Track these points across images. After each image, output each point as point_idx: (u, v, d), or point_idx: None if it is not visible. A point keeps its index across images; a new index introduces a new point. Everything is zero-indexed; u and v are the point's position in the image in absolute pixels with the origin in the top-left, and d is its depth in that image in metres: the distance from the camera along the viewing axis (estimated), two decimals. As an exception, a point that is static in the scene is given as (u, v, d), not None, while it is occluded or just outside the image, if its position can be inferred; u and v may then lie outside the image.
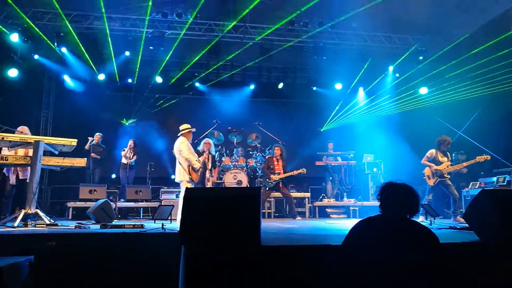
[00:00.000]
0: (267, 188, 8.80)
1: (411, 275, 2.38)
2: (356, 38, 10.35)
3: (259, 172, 9.96)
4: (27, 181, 6.77)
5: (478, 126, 8.77)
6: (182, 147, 6.79)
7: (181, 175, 6.79)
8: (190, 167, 6.74)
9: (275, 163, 8.96)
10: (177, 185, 7.64)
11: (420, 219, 7.24)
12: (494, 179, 7.81)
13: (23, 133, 6.75)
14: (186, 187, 3.89)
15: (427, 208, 6.40)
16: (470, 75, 8.91)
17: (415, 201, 2.59)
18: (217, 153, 10.03)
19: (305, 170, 8.93)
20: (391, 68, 11.25)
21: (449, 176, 7.64)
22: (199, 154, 7.90)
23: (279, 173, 8.84)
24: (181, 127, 7.08)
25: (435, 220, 6.24)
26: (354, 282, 2.57)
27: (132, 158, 9.51)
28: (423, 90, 10.92)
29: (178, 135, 7.03)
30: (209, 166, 7.91)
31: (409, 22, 9.50)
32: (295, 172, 8.91)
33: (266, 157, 9.46)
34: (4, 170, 6.93)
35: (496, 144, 8.41)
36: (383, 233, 2.51)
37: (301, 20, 9.90)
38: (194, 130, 7.18)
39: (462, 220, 7.08)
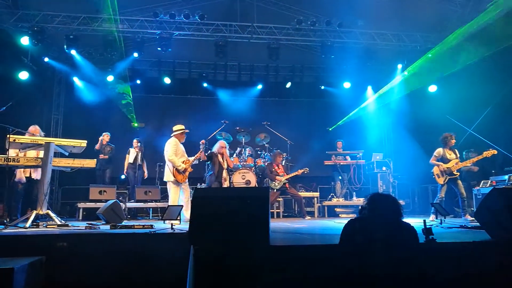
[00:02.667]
0: (275, 190, 8.84)
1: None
2: (364, 36, 10.30)
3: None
4: (37, 178, 6.88)
5: (489, 123, 8.66)
6: (168, 147, 6.94)
7: (166, 176, 6.96)
8: (175, 168, 6.82)
9: (276, 168, 9.07)
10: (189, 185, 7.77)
11: (431, 218, 7.20)
12: (506, 177, 7.70)
13: (35, 133, 6.84)
14: (196, 188, 3.91)
15: (437, 207, 6.33)
16: (480, 71, 8.81)
17: (399, 207, 3.11)
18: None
19: (307, 170, 9.01)
20: (399, 66, 11.17)
21: (458, 173, 7.59)
22: (209, 157, 7.95)
23: (283, 175, 8.93)
24: (174, 128, 7.18)
25: (445, 219, 6.17)
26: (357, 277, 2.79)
27: (142, 161, 9.56)
28: (432, 88, 10.82)
29: (171, 135, 7.12)
30: (225, 166, 7.99)
31: (417, 19, 9.41)
32: (299, 172, 8.98)
33: (266, 164, 9.50)
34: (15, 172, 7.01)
35: (507, 141, 8.30)
36: (380, 234, 2.93)
37: (309, 19, 9.88)
38: (187, 131, 7.25)
39: (470, 218, 7.03)
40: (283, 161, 9.54)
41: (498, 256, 3.44)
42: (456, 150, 7.81)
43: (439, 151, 7.80)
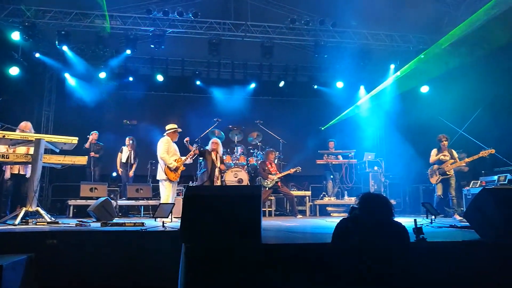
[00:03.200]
0: (267, 188, 8.86)
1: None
2: (357, 36, 10.33)
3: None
4: (26, 176, 6.79)
5: (480, 124, 8.77)
6: (159, 146, 7.04)
7: (159, 174, 7.06)
8: (166, 166, 6.89)
9: (269, 166, 9.09)
10: (179, 183, 7.89)
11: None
12: (495, 177, 7.79)
13: (26, 129, 6.73)
14: (187, 186, 3.90)
15: (428, 206, 6.37)
16: (472, 72, 8.89)
17: (391, 206, 3.12)
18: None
19: (300, 169, 9.05)
20: (392, 66, 11.23)
21: (451, 174, 7.70)
22: (202, 153, 7.95)
23: (275, 174, 8.94)
24: (167, 127, 7.29)
25: (436, 218, 6.21)
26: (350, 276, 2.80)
27: (134, 160, 9.50)
28: (424, 89, 10.89)
29: (163, 134, 7.21)
30: (218, 164, 8.00)
31: (411, 20, 9.47)
32: (292, 171, 9.03)
33: (259, 162, 9.50)
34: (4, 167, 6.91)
35: (497, 142, 8.40)
36: (372, 233, 2.94)
37: (302, 18, 9.89)
38: (180, 130, 7.35)
39: (459, 217, 7.12)
40: (276, 160, 9.55)
41: (487, 256, 3.48)
42: (453, 150, 7.94)
43: (434, 151, 7.97)
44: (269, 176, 8.89)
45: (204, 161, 8.03)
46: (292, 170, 9.02)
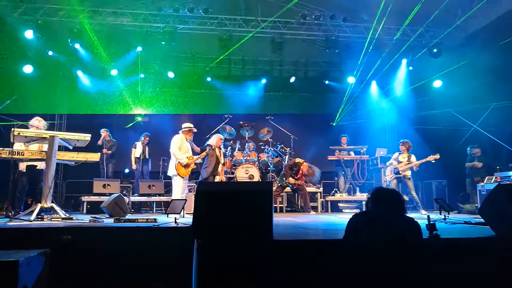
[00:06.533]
0: (279, 184, 8.82)
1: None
2: (368, 31, 10.21)
3: (271, 166, 9.97)
4: (38, 168, 6.86)
5: (494, 119, 8.62)
6: (172, 142, 7.19)
7: (170, 170, 7.23)
8: (178, 162, 7.02)
9: (300, 173, 8.91)
10: (191, 179, 8.04)
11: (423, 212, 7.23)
12: (511, 173, 7.67)
13: (39, 126, 6.78)
14: (199, 182, 3.92)
15: (441, 202, 6.31)
16: (486, 67, 8.74)
17: (403, 202, 3.15)
18: (229, 147, 10.04)
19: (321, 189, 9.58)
20: (404, 60, 11.09)
21: (406, 175, 8.26)
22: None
23: (298, 179, 8.86)
24: (183, 125, 7.44)
25: (449, 215, 6.15)
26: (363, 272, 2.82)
27: (149, 155, 9.60)
28: (437, 83, 10.74)
29: (178, 132, 7.37)
30: (222, 161, 8.00)
31: (423, 13, 9.33)
32: (313, 187, 9.29)
33: (296, 160, 9.19)
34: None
35: (511, 138, 8.27)
36: (384, 229, 2.93)
37: (313, 13, 9.82)
38: (195, 130, 7.49)
39: (424, 212, 7.58)
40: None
41: (502, 252, 3.42)
42: (412, 155, 8.41)
43: (396, 154, 8.69)
44: (290, 178, 8.83)
45: (207, 156, 7.90)
46: (313, 187, 9.38)
